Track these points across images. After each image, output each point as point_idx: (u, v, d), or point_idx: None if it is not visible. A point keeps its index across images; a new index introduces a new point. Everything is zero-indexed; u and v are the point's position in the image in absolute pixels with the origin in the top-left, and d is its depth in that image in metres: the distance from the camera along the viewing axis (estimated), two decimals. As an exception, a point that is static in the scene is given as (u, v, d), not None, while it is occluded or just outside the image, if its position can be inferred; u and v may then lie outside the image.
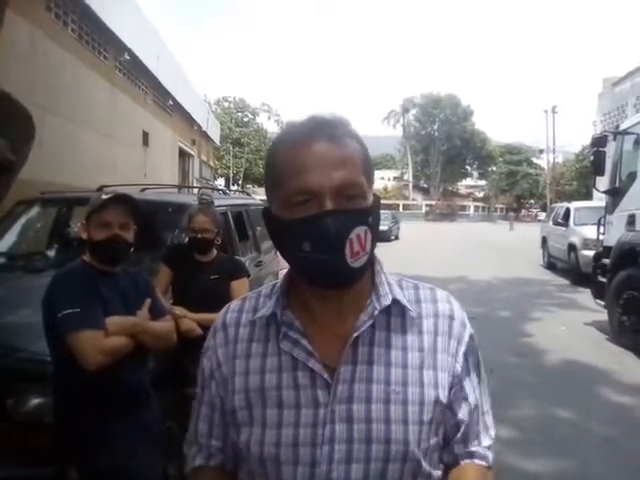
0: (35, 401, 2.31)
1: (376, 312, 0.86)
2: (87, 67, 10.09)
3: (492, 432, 0.95)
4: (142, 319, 2.08)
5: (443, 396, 0.88)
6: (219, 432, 0.94)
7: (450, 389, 0.90)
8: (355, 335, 0.85)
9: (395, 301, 0.88)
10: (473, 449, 0.92)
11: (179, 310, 2.80)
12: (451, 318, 0.92)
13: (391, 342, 0.87)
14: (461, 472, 0.92)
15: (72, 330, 1.89)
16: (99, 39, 10.79)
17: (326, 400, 0.84)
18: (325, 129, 0.82)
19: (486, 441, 0.94)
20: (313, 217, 0.79)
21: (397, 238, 27.05)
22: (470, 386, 0.92)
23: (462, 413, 0.91)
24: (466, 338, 0.92)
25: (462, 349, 0.91)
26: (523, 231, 32.57)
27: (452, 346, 0.90)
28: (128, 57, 12.05)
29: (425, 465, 0.86)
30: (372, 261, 0.89)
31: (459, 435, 0.91)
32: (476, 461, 0.92)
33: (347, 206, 0.80)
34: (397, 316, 0.89)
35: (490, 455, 0.94)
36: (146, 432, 2.08)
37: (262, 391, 0.87)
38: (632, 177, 6.59)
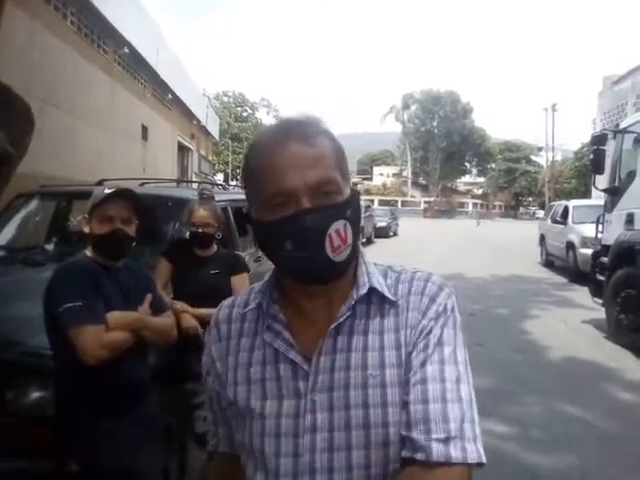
0: (35, 395, 2.31)
1: (352, 302, 0.87)
2: (86, 60, 10.05)
3: (453, 426, 0.78)
4: (143, 314, 2.08)
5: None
6: (222, 421, 0.99)
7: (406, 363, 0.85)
8: (332, 327, 0.86)
9: (372, 289, 0.88)
10: (414, 436, 0.78)
11: (180, 305, 2.80)
12: (422, 294, 0.88)
13: (369, 328, 0.87)
14: (401, 473, 0.81)
15: (73, 324, 1.89)
16: (98, 32, 10.75)
17: (306, 390, 0.85)
18: (297, 130, 0.84)
19: (438, 432, 0.78)
20: (291, 217, 0.81)
21: (396, 234, 27.09)
22: (424, 363, 0.83)
23: (408, 387, 0.82)
24: (431, 313, 0.86)
25: (423, 322, 0.85)
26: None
27: (415, 318, 0.86)
28: (127, 51, 12.01)
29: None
30: (356, 252, 0.89)
31: (403, 416, 0.81)
32: (417, 456, 0.77)
33: (323, 202, 0.81)
34: (376, 303, 0.89)
35: (437, 450, 0.76)
36: (146, 427, 2.08)
37: (248, 384, 0.90)
38: (631, 176, 6.60)
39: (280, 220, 0.82)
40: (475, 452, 0.78)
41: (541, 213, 29.80)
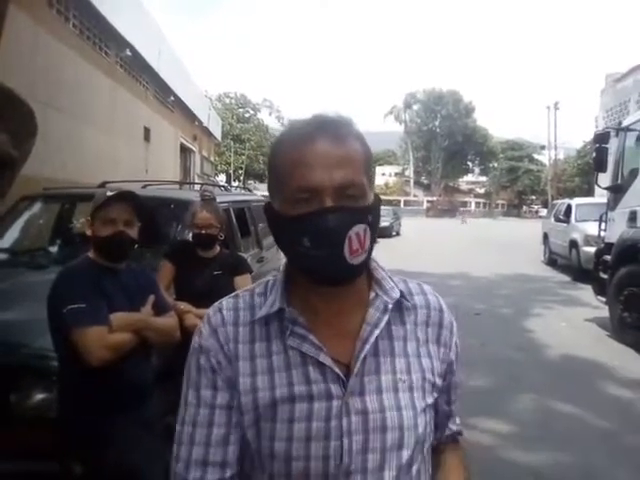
0: (39, 396, 2.32)
1: (390, 306, 0.90)
2: (88, 63, 10.08)
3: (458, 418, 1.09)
4: (146, 315, 2.10)
5: (440, 382, 0.95)
6: (234, 438, 0.89)
7: (445, 376, 0.97)
8: (377, 332, 0.88)
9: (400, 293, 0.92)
10: (454, 428, 1.05)
11: (184, 305, 2.81)
12: (440, 310, 0.98)
13: (392, 333, 0.91)
14: (449, 455, 1.05)
15: (77, 325, 1.90)
16: (100, 35, 10.78)
17: (339, 393, 0.85)
18: (328, 128, 0.83)
19: (458, 419, 1.07)
20: (313, 213, 0.80)
21: (398, 234, 27.07)
22: (457, 373, 1.01)
23: (454, 398, 1.02)
24: (455, 329, 1.00)
25: (454, 339, 0.99)
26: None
27: (445, 336, 0.97)
28: (129, 53, 12.03)
29: (427, 447, 0.94)
30: (369, 259, 0.90)
31: (449, 418, 1.04)
32: (454, 428, 1.05)
33: (347, 204, 0.81)
34: (395, 309, 0.91)
35: (459, 429, 1.07)
36: (149, 428, 2.10)
37: (272, 389, 0.85)
38: (634, 174, 6.58)
39: (302, 215, 0.81)
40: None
41: (544, 212, 29.84)
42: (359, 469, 0.84)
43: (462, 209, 57.41)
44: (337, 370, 0.85)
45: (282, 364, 0.87)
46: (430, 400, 0.92)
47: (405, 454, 0.87)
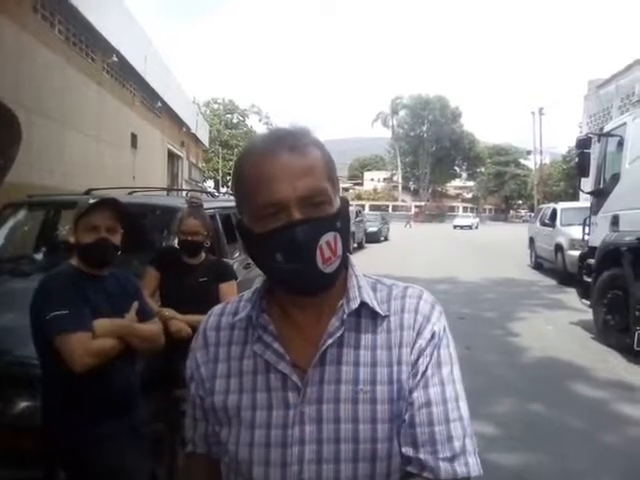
0: (22, 404, 2.31)
1: (345, 316, 0.87)
2: (75, 69, 10.05)
3: (457, 444, 0.83)
4: (130, 321, 2.10)
5: (407, 391, 0.86)
6: (202, 426, 0.97)
7: (408, 382, 0.87)
8: (330, 342, 0.86)
9: (363, 303, 0.89)
10: (422, 457, 0.82)
11: (168, 312, 2.82)
12: (416, 312, 0.89)
13: (360, 343, 0.88)
14: None
15: (60, 332, 1.90)
16: (87, 41, 10.76)
17: (296, 401, 0.86)
18: (286, 140, 0.84)
19: (444, 452, 0.82)
20: (281, 228, 0.81)
21: (387, 239, 27.17)
22: (427, 383, 0.85)
23: (413, 410, 0.84)
24: (427, 333, 0.88)
25: (420, 342, 0.87)
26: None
27: (411, 337, 0.87)
28: (116, 59, 12.02)
29: (395, 463, 0.85)
30: (346, 264, 0.91)
31: (408, 437, 0.84)
32: (424, 474, 0.82)
33: (314, 214, 0.82)
34: (367, 317, 0.90)
35: (445, 469, 0.81)
36: (134, 434, 2.09)
37: (240, 393, 0.89)
38: (616, 178, 6.69)
39: (271, 232, 0.81)
40: (476, 465, 0.84)
41: (529, 215, 30.40)
42: (313, 478, 0.84)
43: (408, 213, 58.75)
44: (294, 378, 0.86)
45: (250, 369, 0.90)
46: (400, 413, 0.85)
47: (361, 467, 0.83)
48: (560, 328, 7.52)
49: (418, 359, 0.86)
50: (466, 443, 0.84)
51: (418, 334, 0.88)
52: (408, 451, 0.83)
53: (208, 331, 0.96)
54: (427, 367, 0.86)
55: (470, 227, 47.49)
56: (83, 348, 1.90)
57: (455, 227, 47.31)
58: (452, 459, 0.82)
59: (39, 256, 4.01)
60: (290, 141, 0.84)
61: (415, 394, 0.85)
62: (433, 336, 0.88)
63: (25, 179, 5.85)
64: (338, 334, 0.86)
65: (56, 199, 4.79)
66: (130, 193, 4.92)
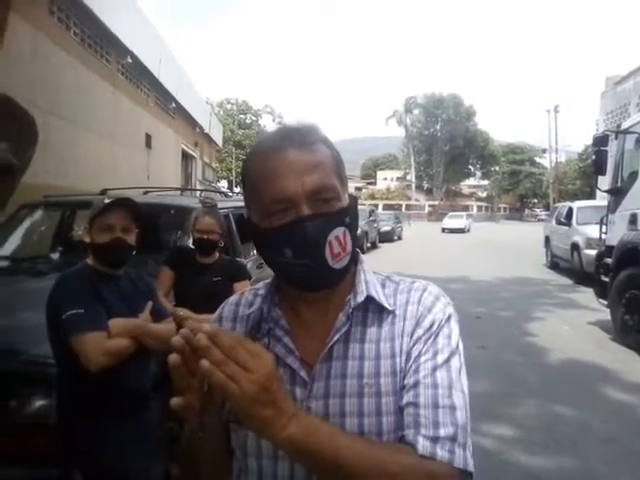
0: (38, 403, 2.33)
1: (351, 310, 0.88)
2: (90, 70, 10.14)
3: (443, 430, 0.79)
4: (144, 321, 2.10)
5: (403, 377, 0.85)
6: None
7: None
8: (337, 337, 0.86)
9: (370, 298, 0.89)
10: (404, 433, 0.81)
11: (183, 311, 2.82)
12: (419, 303, 0.89)
13: (366, 337, 0.88)
14: None
15: (75, 331, 1.91)
16: (101, 42, 10.85)
17: (303, 396, 0.86)
18: (294, 137, 0.84)
19: (428, 432, 0.79)
20: (290, 224, 0.81)
21: (400, 238, 27.09)
22: (417, 370, 0.84)
23: (404, 397, 0.84)
24: (426, 322, 0.87)
25: (418, 331, 0.87)
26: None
27: (411, 327, 0.87)
28: (130, 60, 12.10)
29: None
30: (355, 259, 0.91)
31: (399, 421, 0.83)
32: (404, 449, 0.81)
33: (323, 209, 0.82)
34: (374, 312, 0.90)
35: (423, 444, 0.78)
36: (148, 433, 2.10)
37: None
38: (634, 176, 6.58)
39: (280, 227, 0.82)
40: (462, 458, 0.79)
41: (544, 215, 29.96)
42: None
43: (409, 213, 55.00)
44: (302, 373, 0.87)
45: None
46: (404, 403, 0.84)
47: None
48: (577, 328, 7.42)
49: (413, 346, 0.86)
50: (457, 433, 0.80)
51: (417, 324, 0.88)
52: (395, 435, 0.82)
53: (224, 321, 0.97)
54: (420, 353, 0.85)
55: (462, 230, 36.67)
56: (99, 347, 1.91)
57: (444, 230, 37.07)
58: (434, 440, 0.78)
59: (55, 256, 4.05)
60: (298, 138, 0.84)
61: (406, 380, 0.84)
62: (432, 325, 0.87)
63: (40, 180, 5.92)
64: (344, 329, 0.87)
65: (71, 199, 4.84)
66: (145, 193, 4.95)
